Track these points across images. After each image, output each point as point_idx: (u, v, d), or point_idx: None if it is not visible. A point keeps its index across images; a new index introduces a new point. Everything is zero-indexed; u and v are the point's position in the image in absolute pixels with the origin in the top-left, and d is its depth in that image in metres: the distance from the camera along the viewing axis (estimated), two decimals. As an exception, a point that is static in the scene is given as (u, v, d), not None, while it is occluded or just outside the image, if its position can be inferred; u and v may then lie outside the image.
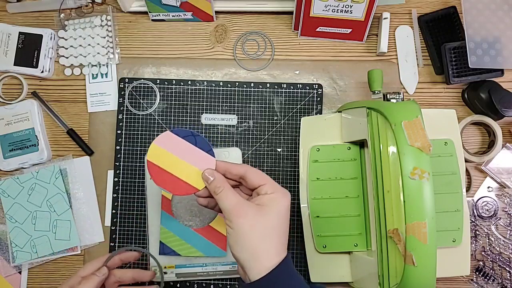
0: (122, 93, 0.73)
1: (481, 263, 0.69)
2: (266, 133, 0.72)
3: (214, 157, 0.51)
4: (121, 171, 0.72)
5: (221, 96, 0.73)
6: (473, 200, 0.71)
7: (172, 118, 0.73)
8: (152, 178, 0.51)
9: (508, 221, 0.70)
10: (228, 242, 0.46)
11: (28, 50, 0.74)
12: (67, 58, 0.75)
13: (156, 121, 0.73)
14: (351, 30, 0.72)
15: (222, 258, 0.68)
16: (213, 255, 0.68)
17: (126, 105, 0.73)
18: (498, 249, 0.69)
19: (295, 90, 0.73)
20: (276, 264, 0.44)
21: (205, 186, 0.50)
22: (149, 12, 0.75)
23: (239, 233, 0.44)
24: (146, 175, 0.70)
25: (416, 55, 0.75)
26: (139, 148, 0.72)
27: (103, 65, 0.75)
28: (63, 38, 0.75)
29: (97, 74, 0.75)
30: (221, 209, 0.47)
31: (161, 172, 0.50)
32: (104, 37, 0.75)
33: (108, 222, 0.71)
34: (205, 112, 0.73)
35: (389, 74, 0.73)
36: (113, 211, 0.71)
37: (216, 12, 0.76)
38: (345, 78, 0.74)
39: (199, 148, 0.51)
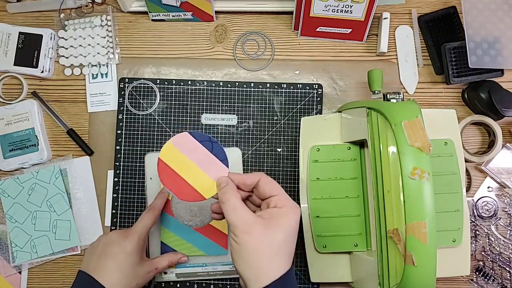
0: (122, 93, 0.73)
1: (481, 263, 0.69)
2: (266, 133, 0.72)
3: (228, 167, 0.49)
4: (121, 171, 0.72)
5: (221, 96, 0.73)
6: (473, 200, 0.71)
7: (172, 118, 0.73)
8: (160, 178, 0.49)
9: (508, 221, 0.70)
10: (232, 255, 0.46)
11: (28, 50, 0.74)
12: (67, 58, 0.75)
13: (156, 121, 0.73)
14: (351, 30, 0.72)
15: (223, 256, 0.68)
16: (214, 254, 0.68)
17: (126, 105, 0.73)
18: (498, 249, 0.69)
19: (295, 90, 0.73)
20: (278, 277, 0.43)
21: (214, 197, 0.49)
22: (149, 12, 0.75)
23: (243, 250, 0.43)
24: (146, 175, 0.70)
25: (416, 55, 0.75)
26: (139, 148, 0.72)
27: (103, 65, 0.75)
28: (63, 38, 0.75)
29: (97, 74, 0.75)
30: (228, 222, 0.46)
31: (171, 174, 0.49)
32: (104, 37, 0.75)
33: (108, 222, 0.71)
34: (205, 112, 0.73)
35: (389, 74, 0.73)
36: (113, 211, 0.71)
37: (216, 12, 0.76)
38: (345, 78, 0.74)
39: (214, 155, 0.49)
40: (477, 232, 0.70)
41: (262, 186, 0.47)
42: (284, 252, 0.45)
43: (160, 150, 0.71)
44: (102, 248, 0.57)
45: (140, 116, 0.73)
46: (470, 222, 0.69)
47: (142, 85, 0.74)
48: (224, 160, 0.49)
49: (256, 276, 0.43)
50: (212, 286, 0.69)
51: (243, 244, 0.43)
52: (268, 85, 0.73)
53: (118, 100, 0.73)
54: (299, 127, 0.67)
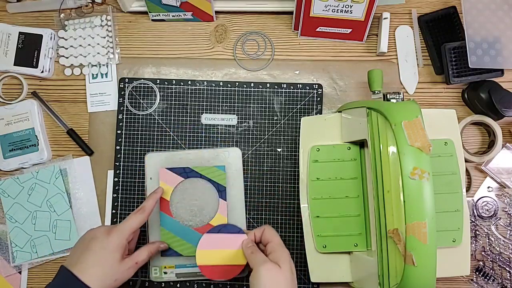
0: (122, 93, 0.73)
1: (481, 263, 0.69)
2: (266, 133, 0.72)
3: (244, 233, 0.62)
4: (121, 171, 0.72)
5: (221, 96, 0.73)
6: (473, 200, 0.71)
7: (172, 118, 0.73)
8: (207, 276, 0.62)
9: (508, 221, 0.70)
10: None
11: (28, 50, 0.74)
12: (67, 58, 0.75)
13: (156, 121, 0.73)
14: (351, 30, 0.72)
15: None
16: (213, 255, 0.68)
17: (126, 105, 0.73)
18: (498, 249, 0.69)
19: (295, 90, 0.73)
20: None
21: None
22: (149, 12, 0.75)
23: (265, 285, 0.54)
24: (146, 175, 0.70)
25: (416, 55, 0.75)
26: (139, 148, 0.72)
27: (103, 65, 0.75)
28: (63, 38, 0.75)
29: (97, 74, 0.75)
30: (252, 263, 0.57)
31: (212, 268, 0.62)
32: (104, 37, 0.75)
33: (108, 222, 0.71)
34: (205, 112, 0.73)
35: (389, 74, 0.73)
36: (113, 211, 0.71)
37: (216, 12, 0.76)
38: (345, 78, 0.74)
39: (231, 233, 0.63)
40: (477, 232, 0.70)
41: (265, 234, 0.61)
42: (292, 286, 0.56)
43: (160, 150, 0.72)
44: (86, 243, 0.58)
45: (140, 116, 0.73)
46: (470, 222, 0.69)
47: (142, 85, 0.74)
48: (239, 231, 0.63)
49: None
50: (212, 286, 0.69)
51: (264, 281, 0.54)
52: (268, 85, 0.73)
53: (118, 100, 0.73)
54: (299, 127, 0.67)
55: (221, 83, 0.73)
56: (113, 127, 0.73)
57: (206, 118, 0.73)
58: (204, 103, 0.73)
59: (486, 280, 0.69)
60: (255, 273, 0.55)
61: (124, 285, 0.67)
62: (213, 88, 0.73)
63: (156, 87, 0.73)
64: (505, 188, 0.71)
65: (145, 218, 0.62)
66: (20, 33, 0.75)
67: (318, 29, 0.73)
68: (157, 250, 0.65)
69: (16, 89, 0.75)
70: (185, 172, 0.69)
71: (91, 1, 0.76)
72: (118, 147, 0.72)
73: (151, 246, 0.64)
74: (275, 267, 0.55)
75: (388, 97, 0.60)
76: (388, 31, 0.73)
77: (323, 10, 0.69)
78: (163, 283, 0.69)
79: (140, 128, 0.73)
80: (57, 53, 0.76)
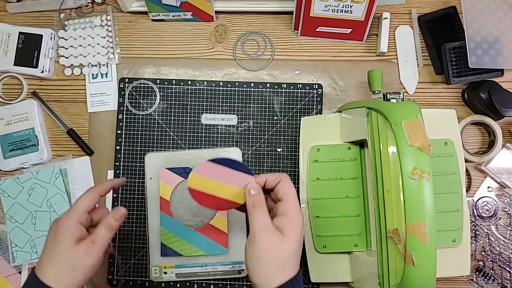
0: (122, 93, 0.73)
1: (481, 263, 0.69)
2: (266, 133, 0.72)
3: (252, 175, 0.52)
4: (121, 171, 0.72)
5: (221, 96, 0.73)
6: (473, 200, 0.71)
7: (172, 118, 0.73)
8: (197, 201, 0.53)
9: (508, 221, 0.70)
10: (246, 260, 0.49)
11: (28, 50, 0.74)
12: (67, 58, 0.75)
13: (156, 121, 0.73)
14: (351, 30, 0.72)
15: (223, 256, 0.68)
16: (215, 253, 0.68)
17: (126, 105, 0.73)
18: (498, 249, 0.69)
19: (295, 90, 0.73)
20: (288, 280, 0.47)
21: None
22: (149, 12, 0.75)
23: (260, 257, 0.47)
24: (146, 175, 0.70)
25: (416, 55, 0.75)
26: (139, 148, 0.72)
27: (103, 65, 0.75)
28: (63, 38, 0.75)
29: (97, 74, 0.75)
30: (251, 225, 0.49)
31: (204, 195, 0.53)
32: (104, 37, 0.75)
33: (108, 222, 0.71)
34: (205, 112, 0.73)
35: (389, 74, 0.73)
36: (113, 211, 0.71)
37: (216, 12, 0.76)
38: (345, 78, 0.74)
39: (237, 170, 0.53)
40: (477, 232, 0.70)
41: (279, 188, 0.51)
42: (292, 261, 0.48)
43: (160, 150, 0.71)
44: (46, 239, 0.53)
45: (140, 116, 0.73)
46: (470, 222, 0.69)
47: (142, 85, 0.74)
48: (247, 171, 0.52)
49: (265, 280, 0.47)
50: (212, 286, 0.69)
51: (260, 251, 0.47)
52: (268, 85, 0.73)
53: (118, 100, 0.73)
54: (299, 127, 0.67)
55: (221, 83, 0.73)
56: (113, 127, 0.73)
57: (206, 118, 0.73)
58: (204, 103, 0.73)
59: (486, 280, 0.69)
60: (251, 238, 0.48)
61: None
62: (213, 88, 0.73)
63: (156, 87, 0.73)
64: (505, 188, 0.71)
65: (95, 196, 0.54)
66: (20, 33, 0.75)
67: (318, 29, 0.73)
68: (113, 221, 0.54)
69: (16, 89, 0.75)
70: (185, 172, 0.69)
71: (91, 1, 0.76)
72: (118, 147, 0.72)
73: (109, 218, 0.54)
74: (276, 236, 0.48)
75: (388, 97, 0.60)
76: (388, 31, 0.73)
77: (323, 10, 0.69)
78: (163, 283, 0.69)
79: (140, 128, 0.73)
80: (57, 53, 0.76)
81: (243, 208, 0.53)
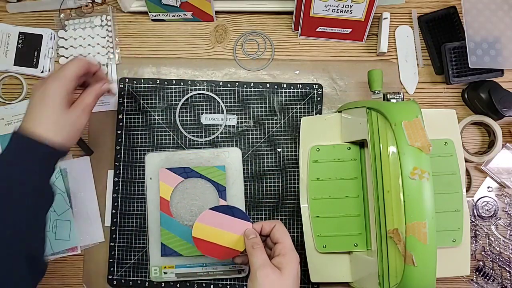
0: (122, 93, 0.73)
1: (481, 263, 0.69)
2: (266, 133, 0.72)
3: (250, 221, 0.59)
4: (121, 171, 0.72)
5: (221, 96, 0.73)
6: (473, 200, 0.71)
7: (172, 118, 0.73)
8: (200, 250, 0.59)
9: (508, 221, 0.70)
10: None
11: (28, 50, 0.74)
12: (67, 58, 0.75)
13: (156, 121, 0.73)
14: (351, 30, 0.72)
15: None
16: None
17: (126, 105, 0.73)
18: (498, 249, 0.69)
19: (295, 90, 0.73)
20: None
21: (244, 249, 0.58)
22: (149, 12, 0.75)
23: None
24: (146, 175, 0.71)
25: (416, 55, 0.75)
26: (139, 148, 0.72)
27: (103, 65, 0.75)
28: (63, 38, 0.75)
29: (97, 74, 0.75)
30: (251, 264, 0.53)
31: (206, 244, 0.59)
32: (104, 37, 0.75)
33: (108, 222, 0.71)
34: (205, 112, 0.73)
35: (389, 74, 0.73)
36: (113, 211, 0.71)
37: (216, 12, 0.76)
38: (345, 78, 0.74)
39: (236, 217, 0.59)
40: (477, 232, 0.70)
41: (274, 232, 0.56)
42: None
43: (159, 150, 0.71)
44: (31, 101, 0.55)
45: (140, 116, 0.73)
46: (470, 222, 0.69)
47: (142, 85, 0.74)
48: (245, 218, 0.59)
49: None
50: (212, 286, 0.69)
51: (262, 285, 0.51)
52: (268, 85, 0.73)
53: (118, 100, 0.73)
54: (299, 127, 0.67)
55: (221, 83, 0.73)
56: (113, 127, 0.73)
57: (206, 118, 0.73)
58: (204, 103, 0.73)
59: (486, 280, 0.69)
60: (252, 276, 0.52)
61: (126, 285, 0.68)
62: (213, 88, 0.73)
63: (156, 87, 0.73)
64: (505, 188, 0.71)
65: (82, 65, 0.57)
66: (20, 33, 0.75)
67: (318, 29, 0.73)
68: (103, 89, 0.60)
69: (16, 89, 0.75)
70: (185, 172, 0.69)
71: (91, 1, 0.76)
72: (118, 147, 0.72)
73: (97, 86, 0.59)
74: (275, 272, 0.52)
75: (388, 97, 0.60)
76: (388, 31, 0.73)
77: (323, 10, 0.69)
78: (163, 283, 0.69)
79: (140, 128, 0.73)
80: (57, 53, 0.76)
81: (243, 256, 0.60)
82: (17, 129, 0.54)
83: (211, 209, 0.59)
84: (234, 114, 0.73)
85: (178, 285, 0.69)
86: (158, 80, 0.74)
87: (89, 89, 0.59)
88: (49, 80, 0.55)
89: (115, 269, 0.70)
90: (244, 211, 0.61)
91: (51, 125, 0.53)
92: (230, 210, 0.59)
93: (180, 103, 0.73)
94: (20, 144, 0.53)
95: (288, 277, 0.52)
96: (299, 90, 0.73)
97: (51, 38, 0.75)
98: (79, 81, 0.58)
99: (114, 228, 0.71)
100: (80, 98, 0.58)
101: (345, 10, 0.68)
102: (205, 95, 0.73)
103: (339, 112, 0.67)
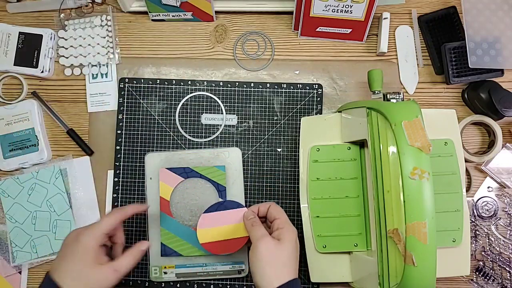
0: (122, 93, 0.73)
1: (481, 263, 0.69)
2: (266, 133, 0.72)
3: (244, 206, 0.63)
4: (121, 171, 0.72)
5: (221, 96, 0.73)
6: (473, 200, 0.71)
7: (172, 118, 0.73)
8: (212, 252, 0.62)
9: (508, 221, 0.70)
10: (250, 268, 0.56)
11: (28, 50, 0.74)
12: (67, 58, 0.75)
13: (156, 121, 0.73)
14: (351, 30, 0.72)
15: (223, 256, 0.68)
16: (214, 255, 0.68)
17: (126, 105, 0.73)
18: (498, 249, 0.69)
19: (295, 90, 0.73)
20: (285, 282, 0.53)
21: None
22: (149, 12, 0.75)
23: (261, 260, 0.54)
24: (146, 175, 0.70)
25: (416, 55, 0.75)
26: (139, 148, 0.72)
27: (103, 65, 0.75)
28: (63, 38, 0.75)
29: (97, 74, 0.75)
30: (252, 238, 0.57)
31: (215, 244, 0.62)
32: (104, 37, 0.75)
33: (108, 222, 0.71)
34: (205, 112, 0.73)
35: (389, 74, 0.73)
36: (113, 211, 0.71)
37: (216, 12, 0.76)
38: (345, 78, 0.74)
39: (231, 209, 0.63)
40: (477, 232, 0.70)
41: (270, 211, 0.60)
42: (290, 264, 0.55)
43: (159, 150, 0.71)
44: (63, 247, 0.56)
45: (140, 116, 0.73)
46: (470, 222, 0.69)
47: (142, 85, 0.74)
48: (239, 206, 0.63)
49: (268, 281, 0.53)
50: (212, 286, 0.69)
51: (261, 255, 0.54)
52: (268, 85, 0.73)
53: (118, 100, 0.73)
54: (299, 127, 0.67)
55: (221, 83, 0.73)
56: (113, 127, 0.73)
57: (206, 118, 0.73)
58: (204, 103, 0.73)
59: (486, 280, 0.69)
60: (253, 247, 0.55)
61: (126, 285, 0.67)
62: (213, 88, 0.73)
63: (156, 87, 0.73)
64: (505, 188, 0.71)
65: (117, 219, 0.58)
66: (20, 33, 0.75)
67: (318, 29, 0.73)
68: (141, 253, 0.58)
69: (16, 89, 0.75)
70: (185, 172, 0.69)
71: (91, 1, 0.76)
72: (118, 147, 0.72)
73: (135, 250, 0.58)
74: (274, 242, 0.55)
75: (388, 97, 0.60)
76: (388, 31, 0.73)
77: (323, 10, 0.69)
78: (163, 283, 0.69)
79: (140, 128, 0.73)
80: (57, 53, 0.76)
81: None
82: (50, 270, 0.54)
83: (204, 212, 0.63)
84: (234, 114, 0.73)
85: (178, 285, 0.69)
86: (158, 80, 0.74)
87: (131, 250, 0.57)
88: (84, 231, 0.55)
89: (115, 269, 0.70)
90: (234, 200, 0.64)
91: (77, 281, 0.53)
92: (222, 206, 0.63)
93: (180, 103, 0.73)
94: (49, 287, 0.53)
95: (287, 246, 0.55)
96: (299, 90, 0.73)
97: (51, 38, 0.75)
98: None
99: (114, 228, 0.70)
100: (118, 259, 0.56)
101: (345, 10, 0.68)
102: (205, 95, 0.73)
103: (339, 112, 0.67)
